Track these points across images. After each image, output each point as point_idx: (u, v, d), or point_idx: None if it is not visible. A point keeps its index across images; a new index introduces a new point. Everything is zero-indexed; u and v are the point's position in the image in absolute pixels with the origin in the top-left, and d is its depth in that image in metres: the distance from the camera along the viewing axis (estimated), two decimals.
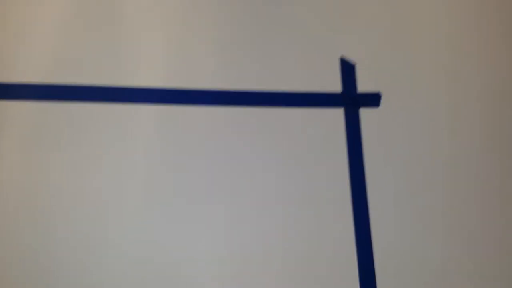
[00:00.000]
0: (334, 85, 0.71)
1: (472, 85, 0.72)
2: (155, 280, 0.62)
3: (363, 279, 0.64)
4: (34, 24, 0.71)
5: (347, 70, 0.72)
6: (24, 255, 0.62)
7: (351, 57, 0.72)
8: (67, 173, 0.66)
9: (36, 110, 0.68)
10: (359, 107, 0.71)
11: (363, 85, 0.72)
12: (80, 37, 0.71)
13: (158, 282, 0.62)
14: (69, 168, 0.66)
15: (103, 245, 0.63)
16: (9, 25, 0.71)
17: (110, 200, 0.65)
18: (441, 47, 0.74)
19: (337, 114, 0.70)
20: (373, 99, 0.71)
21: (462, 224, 0.66)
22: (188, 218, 0.65)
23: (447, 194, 0.67)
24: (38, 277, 0.62)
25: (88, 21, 0.72)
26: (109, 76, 0.70)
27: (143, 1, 0.73)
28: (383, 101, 0.71)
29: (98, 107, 0.69)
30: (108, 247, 0.63)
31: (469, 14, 0.75)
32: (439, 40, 0.74)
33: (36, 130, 0.67)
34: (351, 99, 0.71)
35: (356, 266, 0.64)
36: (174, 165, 0.67)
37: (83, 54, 0.71)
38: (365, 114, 0.70)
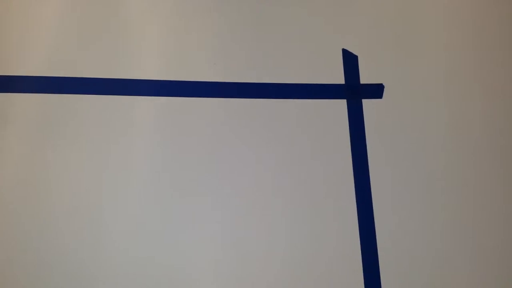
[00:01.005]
0: (337, 77, 0.72)
1: (472, 77, 0.72)
2: (156, 279, 0.62)
3: (367, 270, 0.64)
4: (37, 18, 0.71)
5: (350, 61, 0.72)
6: (26, 247, 0.62)
7: (354, 48, 0.73)
8: (69, 165, 0.66)
9: (38, 102, 0.68)
10: (361, 99, 0.71)
11: (366, 77, 0.72)
12: (82, 31, 0.72)
13: (159, 281, 0.62)
14: (71, 159, 0.66)
15: (102, 239, 0.63)
16: (13, 19, 0.71)
17: (110, 192, 0.65)
18: (443, 39, 0.74)
19: (340, 106, 0.70)
20: (376, 91, 0.71)
21: (463, 214, 0.67)
22: (188, 213, 0.65)
23: (448, 184, 0.68)
24: (39, 273, 0.62)
25: (90, 15, 0.72)
26: (111, 69, 0.70)
27: None
28: (385, 92, 0.71)
29: (99, 99, 0.69)
30: (107, 242, 0.63)
31: (470, 8, 0.75)
32: (441, 32, 0.74)
33: (38, 121, 0.67)
34: (354, 91, 0.71)
35: (360, 259, 0.65)
36: (175, 158, 0.67)
37: (85, 48, 0.71)
38: (368, 105, 0.71)
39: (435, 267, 0.64)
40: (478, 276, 0.64)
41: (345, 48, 0.73)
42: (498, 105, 0.71)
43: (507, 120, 0.70)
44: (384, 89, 0.71)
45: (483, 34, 0.74)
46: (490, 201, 0.67)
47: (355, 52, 0.73)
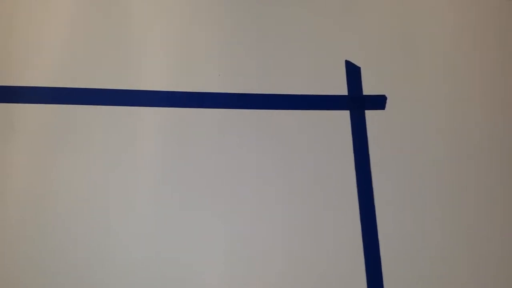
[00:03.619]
0: (340, 88, 0.72)
1: (476, 88, 0.73)
2: (159, 281, 0.63)
3: (369, 276, 0.65)
4: (43, 29, 0.72)
5: (353, 73, 0.73)
6: (31, 256, 0.63)
7: (357, 60, 0.73)
8: (74, 174, 0.66)
9: (44, 113, 0.69)
10: (364, 110, 0.71)
11: (369, 88, 0.72)
12: (87, 42, 0.72)
13: (162, 283, 0.63)
14: (76, 169, 0.66)
15: (108, 246, 0.64)
16: (17, 30, 0.71)
17: (115, 200, 0.66)
18: (445, 50, 0.74)
19: (343, 117, 0.71)
20: (379, 102, 0.72)
21: (463, 221, 0.67)
22: (193, 219, 0.65)
23: (450, 194, 0.68)
24: (45, 278, 0.62)
25: (94, 26, 0.72)
26: (115, 80, 0.70)
27: (148, 7, 0.74)
28: (388, 103, 0.72)
29: (104, 110, 0.69)
30: (114, 248, 0.64)
31: (471, 18, 0.76)
32: (443, 43, 0.75)
33: (44, 131, 0.68)
34: (357, 102, 0.72)
35: (364, 270, 0.65)
36: (179, 167, 0.67)
37: (90, 59, 0.71)
38: (371, 116, 0.71)
39: (437, 271, 0.65)
40: (478, 276, 0.65)
41: (348, 59, 0.73)
42: (501, 115, 0.72)
43: (509, 125, 0.71)
44: (387, 100, 0.72)
45: (487, 44, 0.75)
46: (492, 206, 0.68)
47: (358, 64, 0.73)
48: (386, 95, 0.72)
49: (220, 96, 0.71)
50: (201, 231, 0.65)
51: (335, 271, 0.65)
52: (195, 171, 0.67)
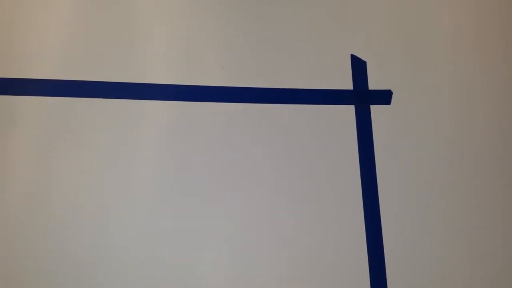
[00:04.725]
0: (345, 82, 0.72)
1: (482, 84, 0.72)
2: (159, 281, 0.63)
3: (373, 273, 0.65)
4: (46, 21, 0.71)
5: (358, 67, 0.72)
6: (30, 252, 0.63)
7: (362, 54, 0.72)
8: (76, 168, 0.66)
9: (47, 106, 0.68)
10: (370, 105, 0.71)
11: (374, 83, 0.72)
12: (91, 35, 0.71)
13: (162, 282, 0.63)
14: (79, 163, 0.66)
15: (109, 243, 0.64)
16: (21, 21, 0.71)
17: (118, 196, 0.65)
18: (453, 46, 0.74)
19: (348, 112, 0.70)
20: (384, 97, 0.71)
21: (469, 217, 0.67)
22: (195, 216, 0.65)
23: (455, 190, 0.68)
24: (45, 276, 0.62)
25: (99, 19, 0.72)
26: (119, 73, 0.70)
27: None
28: (393, 98, 0.71)
29: (107, 103, 0.69)
30: (114, 246, 0.64)
31: (479, 15, 0.75)
32: (451, 39, 0.74)
33: (47, 124, 0.68)
34: (362, 97, 0.71)
35: (367, 266, 0.65)
36: (184, 162, 0.67)
37: (93, 51, 0.71)
38: (376, 111, 0.71)
39: (440, 269, 0.65)
40: (482, 274, 0.65)
41: (353, 53, 0.72)
42: (507, 112, 0.71)
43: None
44: (393, 95, 0.71)
45: (493, 41, 0.74)
46: (496, 203, 0.68)
47: (364, 58, 0.72)
48: (392, 90, 0.71)
49: (224, 89, 0.70)
50: (203, 229, 0.65)
51: (339, 268, 0.64)
52: (198, 164, 0.67)
